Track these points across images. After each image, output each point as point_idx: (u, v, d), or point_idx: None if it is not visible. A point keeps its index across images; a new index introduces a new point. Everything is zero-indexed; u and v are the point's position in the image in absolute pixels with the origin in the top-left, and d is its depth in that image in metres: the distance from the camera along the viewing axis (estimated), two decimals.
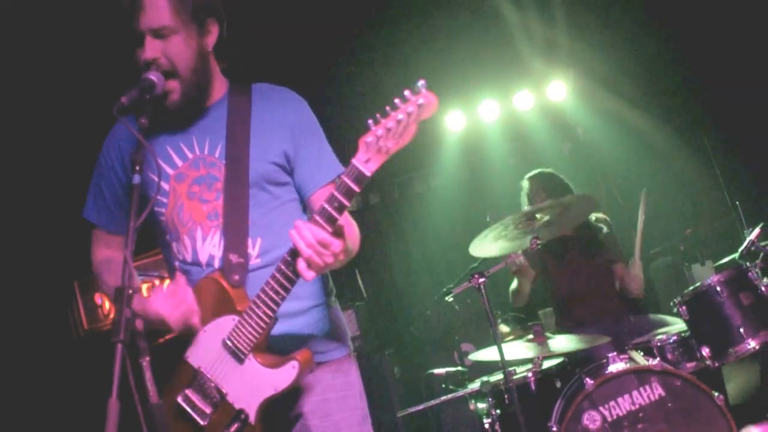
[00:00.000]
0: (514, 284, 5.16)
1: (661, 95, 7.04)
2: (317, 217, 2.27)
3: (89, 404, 3.69)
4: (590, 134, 7.26)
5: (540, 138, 7.19)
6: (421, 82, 2.19)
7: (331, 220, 2.27)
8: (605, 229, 5.22)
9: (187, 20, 2.53)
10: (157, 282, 4.78)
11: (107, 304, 7.13)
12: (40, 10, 4.88)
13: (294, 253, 2.30)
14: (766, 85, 6.64)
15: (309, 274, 2.28)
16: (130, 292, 2.05)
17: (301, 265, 2.27)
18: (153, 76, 2.44)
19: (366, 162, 2.24)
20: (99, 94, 3.74)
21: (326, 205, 2.27)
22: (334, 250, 2.27)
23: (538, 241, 4.29)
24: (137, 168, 2.24)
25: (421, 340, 6.37)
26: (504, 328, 5.46)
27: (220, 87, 2.71)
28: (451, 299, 4.64)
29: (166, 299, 2.46)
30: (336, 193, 2.26)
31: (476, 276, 4.17)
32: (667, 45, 6.82)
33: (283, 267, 2.35)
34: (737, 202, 5.46)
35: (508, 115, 7.14)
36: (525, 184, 5.32)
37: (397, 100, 2.20)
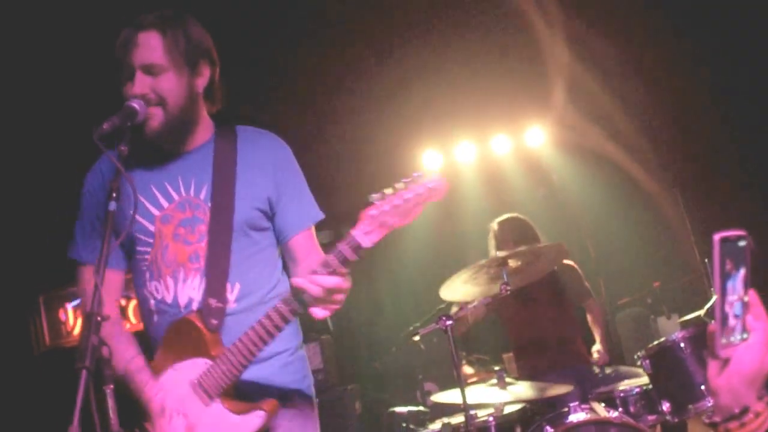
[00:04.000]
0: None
1: (638, 148, 7.11)
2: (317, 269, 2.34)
3: (46, 421, 3.65)
4: (565, 182, 7.31)
5: (515, 182, 7.25)
6: (436, 168, 2.26)
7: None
8: (569, 271, 5.24)
9: (179, 60, 2.56)
10: (123, 302, 4.74)
11: (71, 320, 7.06)
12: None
13: (289, 301, 2.37)
14: (742, 143, 6.77)
15: (322, 313, 2.37)
16: (99, 318, 2.04)
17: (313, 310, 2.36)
18: (136, 104, 2.46)
19: (366, 234, 2.29)
20: (71, 117, 3.75)
21: (318, 268, 2.33)
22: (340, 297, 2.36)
23: (508, 287, 4.31)
24: (113, 195, 2.24)
25: (384, 377, 6.35)
26: (468, 370, 5.44)
27: (206, 129, 2.74)
28: (417, 339, 4.64)
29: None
30: (331, 258, 2.33)
31: (443, 318, 4.17)
32: (647, 96, 6.91)
33: (272, 314, 2.39)
34: (705, 260, 5.52)
35: (485, 158, 7.19)
36: (494, 227, 5.34)
37: (407, 179, 2.26)
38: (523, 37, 6.47)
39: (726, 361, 1.50)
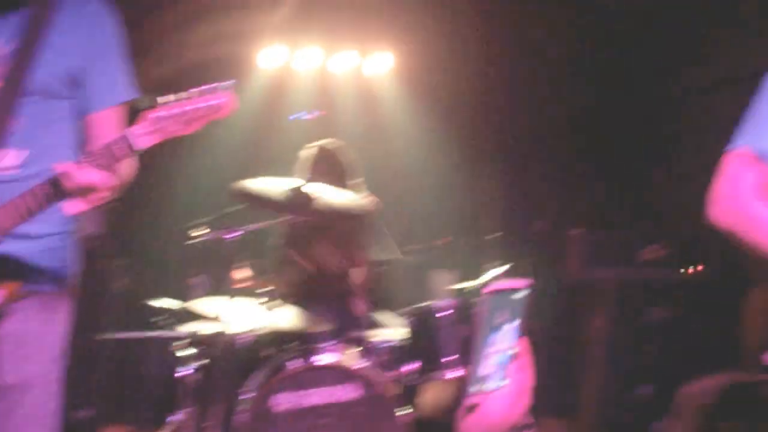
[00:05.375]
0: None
1: (483, 107, 7.17)
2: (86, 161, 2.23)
3: None
4: (400, 115, 7.26)
5: (348, 102, 7.13)
6: (227, 83, 2.19)
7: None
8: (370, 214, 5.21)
9: None
10: None
11: None
12: None
13: (56, 183, 2.24)
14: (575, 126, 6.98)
15: (72, 209, 2.27)
16: None
17: (66, 203, 2.26)
18: None
19: (142, 135, 2.20)
20: None
21: (84, 158, 2.24)
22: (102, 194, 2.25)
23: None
24: None
25: (158, 264, 6.19)
26: (243, 274, 5.35)
27: None
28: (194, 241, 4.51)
29: None
30: (99, 150, 2.24)
31: (228, 230, 4.11)
32: (504, 59, 6.99)
33: (39, 191, 2.26)
34: (492, 235, 5.67)
35: (324, 72, 7.02)
36: (311, 153, 5.20)
37: (197, 90, 2.20)
38: None
39: (472, 408, 1.46)
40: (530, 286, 1.46)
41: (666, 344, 5.57)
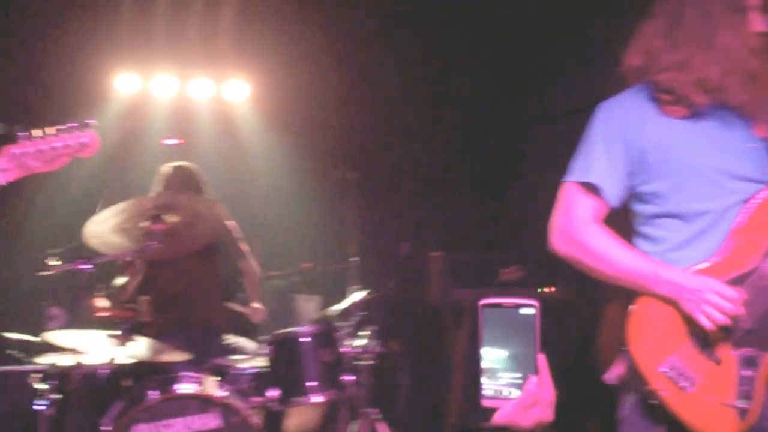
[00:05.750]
0: (123, 280, 5.02)
1: (333, 130, 7.27)
2: None
3: None
4: (257, 140, 7.28)
5: (205, 127, 7.10)
6: (92, 121, 2.16)
7: None
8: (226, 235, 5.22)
9: None
10: None
11: None
12: None
13: None
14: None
15: None
16: None
17: None
18: None
19: (2, 171, 2.14)
20: None
21: None
22: None
23: (157, 244, 4.25)
24: None
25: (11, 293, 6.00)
26: (102, 303, 5.27)
27: None
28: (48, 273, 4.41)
29: None
30: None
31: (82, 261, 4.05)
32: (349, 82, 7.12)
33: None
34: (353, 259, 5.76)
35: (181, 97, 6.97)
36: (168, 170, 5.19)
37: (62, 127, 2.16)
38: None
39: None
40: (537, 305, 1.55)
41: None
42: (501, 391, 1.57)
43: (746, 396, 2.25)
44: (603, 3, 6.13)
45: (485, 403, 1.58)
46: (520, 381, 1.56)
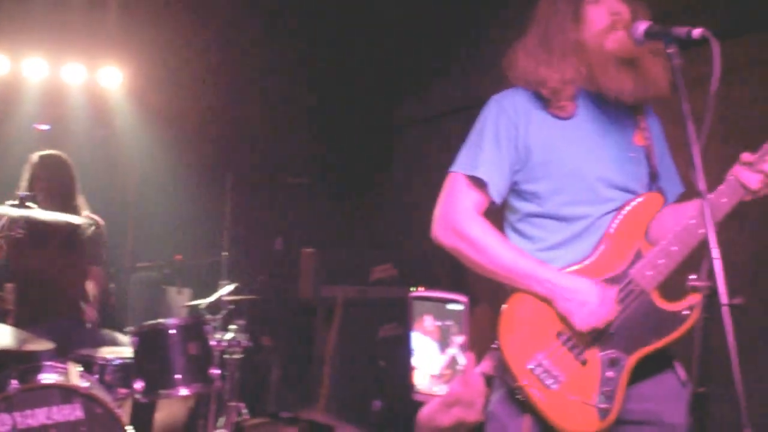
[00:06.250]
0: None
1: (210, 125, 7.23)
2: None
3: None
4: (130, 131, 7.16)
5: (79, 114, 6.94)
6: None
7: None
8: (92, 229, 5.14)
9: None
10: None
11: None
12: None
13: None
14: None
15: None
16: None
17: None
18: None
19: None
20: None
21: None
22: None
23: (21, 231, 4.17)
24: None
25: None
26: None
27: None
28: None
29: None
30: None
31: None
32: (227, 78, 7.11)
33: None
34: (224, 253, 5.77)
35: (54, 81, 6.80)
36: (34, 160, 5.08)
37: None
38: None
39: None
40: (465, 301, 1.57)
41: (397, 360, 5.82)
42: (431, 387, 1.59)
43: (608, 396, 2.32)
44: (475, 8, 6.33)
45: (416, 397, 1.60)
46: (448, 377, 1.59)
